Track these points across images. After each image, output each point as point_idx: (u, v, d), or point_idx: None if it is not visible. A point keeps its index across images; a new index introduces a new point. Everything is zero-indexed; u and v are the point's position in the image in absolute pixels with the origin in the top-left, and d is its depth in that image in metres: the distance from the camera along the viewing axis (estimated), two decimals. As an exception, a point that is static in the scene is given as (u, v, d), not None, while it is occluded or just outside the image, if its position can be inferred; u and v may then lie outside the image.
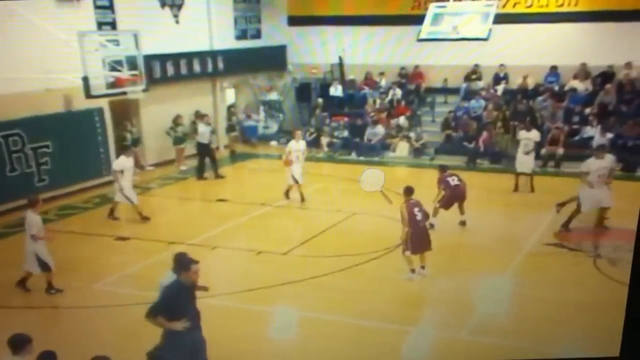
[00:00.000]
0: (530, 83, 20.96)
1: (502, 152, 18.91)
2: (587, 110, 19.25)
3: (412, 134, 20.43)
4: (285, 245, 12.42)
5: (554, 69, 20.82)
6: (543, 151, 17.92)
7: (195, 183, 17.92)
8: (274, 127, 23.47)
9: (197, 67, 20.85)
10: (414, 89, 22.52)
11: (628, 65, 19.70)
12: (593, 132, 18.32)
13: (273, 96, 24.04)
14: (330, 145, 20.71)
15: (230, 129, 21.68)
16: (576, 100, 19.85)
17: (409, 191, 10.71)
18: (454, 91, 22.17)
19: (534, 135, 16.09)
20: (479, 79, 21.92)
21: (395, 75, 23.16)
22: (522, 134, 16.19)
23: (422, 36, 17.86)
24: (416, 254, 10.57)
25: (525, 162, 15.85)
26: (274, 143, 22.47)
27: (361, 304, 9.79)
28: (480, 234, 12.94)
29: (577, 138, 18.81)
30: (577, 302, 9.65)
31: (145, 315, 6.77)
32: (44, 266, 10.30)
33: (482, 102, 20.68)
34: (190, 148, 19.25)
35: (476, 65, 21.83)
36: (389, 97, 22.17)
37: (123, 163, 13.86)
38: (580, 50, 20.19)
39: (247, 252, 12.35)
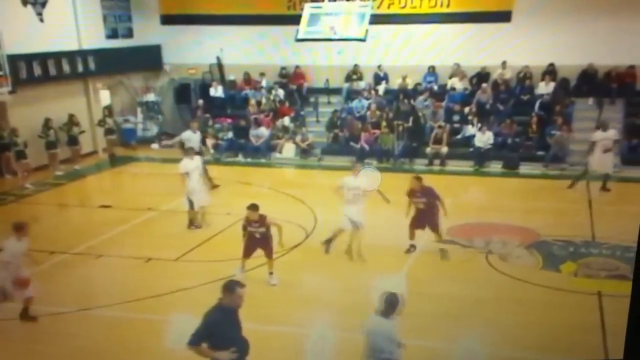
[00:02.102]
0: (410, 83, 21.76)
1: (389, 151, 19.50)
2: (467, 110, 20.27)
3: (298, 135, 20.60)
4: (176, 250, 12.08)
5: (431, 69, 21.75)
6: (428, 150, 18.70)
7: (74, 188, 17.09)
8: (153, 129, 22.91)
9: (66, 67, 20.00)
10: (296, 90, 22.73)
11: (503, 65, 21.00)
12: (474, 130, 19.34)
13: (150, 97, 23.46)
14: (215, 147, 20.42)
15: (108, 131, 20.82)
16: (455, 99, 20.87)
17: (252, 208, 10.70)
18: (337, 91, 22.59)
19: (612, 134, 16.20)
20: (360, 79, 22.47)
21: (276, 75, 23.29)
22: (598, 135, 16.12)
23: (300, 36, 17.98)
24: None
25: (605, 161, 15.78)
26: (154, 146, 21.90)
27: (260, 308, 9.63)
28: (373, 234, 13.15)
29: (459, 137, 19.77)
30: (472, 297, 10.02)
31: (187, 344, 6.27)
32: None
33: (365, 102, 21.22)
34: (65, 152, 18.32)
35: (356, 66, 22.36)
36: (271, 97, 22.23)
37: (187, 165, 13.38)
38: (456, 51, 21.27)
39: (136, 259, 11.86)
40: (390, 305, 6.92)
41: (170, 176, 17.60)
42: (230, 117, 21.82)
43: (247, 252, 10.82)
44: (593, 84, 20.25)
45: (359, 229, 11.62)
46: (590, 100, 20.07)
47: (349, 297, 10.11)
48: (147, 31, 23.43)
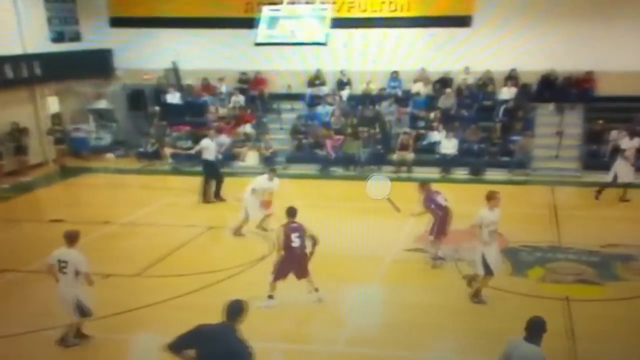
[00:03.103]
0: (374, 88, 22.03)
1: (355, 158, 19.68)
2: (431, 115, 20.62)
3: (261, 143, 20.60)
4: (136, 266, 11.95)
5: (395, 74, 22.05)
6: (394, 156, 18.94)
7: (22, 202, 16.70)
8: (107, 139, 22.57)
9: (9, 73, 19.52)
10: (257, 96, 22.73)
11: (465, 70, 21.47)
12: (439, 137, 19.69)
13: (102, 104, 23.14)
14: (174, 156, 20.18)
15: (58, 141, 20.48)
16: (419, 105, 21.22)
17: (291, 212, 10.37)
18: (299, 97, 22.67)
19: (637, 142, 16.41)
20: (323, 84, 22.63)
21: (236, 80, 23.23)
22: (627, 142, 16.33)
23: (259, 40, 18.06)
24: (278, 280, 10.32)
25: (629, 170, 15.82)
26: (110, 155, 21.62)
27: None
28: (343, 244, 13.23)
29: (424, 143, 20.11)
30: (445, 306, 10.22)
31: (167, 346, 6.08)
32: (84, 311, 9.03)
33: (329, 108, 21.39)
34: (12, 163, 17.82)
35: (318, 71, 22.52)
36: (231, 104, 22.19)
37: (262, 183, 13.40)
38: (418, 56, 21.62)
39: (93, 276, 11.64)
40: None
41: (128, 187, 17.48)
42: (188, 125, 21.69)
43: (284, 272, 10.18)
44: (554, 89, 20.86)
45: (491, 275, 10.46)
46: (551, 106, 20.63)
47: (322, 308, 10.20)
48: (96, 34, 22.99)
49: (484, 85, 21.48)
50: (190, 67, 22.91)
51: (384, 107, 21.12)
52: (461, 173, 18.89)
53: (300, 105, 22.57)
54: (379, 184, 12.72)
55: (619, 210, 14.32)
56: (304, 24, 17.49)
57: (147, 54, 22.76)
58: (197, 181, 16.38)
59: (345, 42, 18.06)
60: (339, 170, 19.55)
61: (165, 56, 22.82)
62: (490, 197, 10.09)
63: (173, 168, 20.09)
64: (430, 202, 11.88)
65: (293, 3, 17.59)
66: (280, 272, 10.17)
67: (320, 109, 21.54)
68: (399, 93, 21.84)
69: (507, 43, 20.50)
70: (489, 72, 21.40)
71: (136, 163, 20.93)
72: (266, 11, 17.71)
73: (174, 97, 22.74)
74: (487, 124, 20.30)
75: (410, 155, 19.24)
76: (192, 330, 6.07)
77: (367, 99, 21.65)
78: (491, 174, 18.59)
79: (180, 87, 23.07)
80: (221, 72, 22.95)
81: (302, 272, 10.22)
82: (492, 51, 20.75)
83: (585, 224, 13.86)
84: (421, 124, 20.69)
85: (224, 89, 22.96)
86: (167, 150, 19.60)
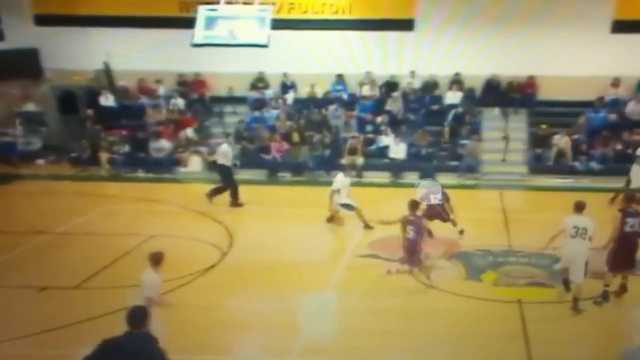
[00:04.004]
0: (319, 92, 22.13)
1: (303, 163, 19.73)
2: (379, 119, 20.83)
3: (203, 148, 20.34)
4: (75, 277, 11.55)
5: (340, 77, 22.21)
6: (343, 161, 19.01)
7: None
8: (37, 143, 21.81)
9: None
10: (197, 99, 22.49)
11: (411, 74, 21.77)
12: (388, 141, 19.88)
13: (30, 107, 22.44)
14: (111, 162, 19.74)
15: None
16: (366, 109, 21.39)
17: (413, 206, 11.06)
18: (242, 100, 22.55)
19: None
20: (266, 87, 22.58)
21: (175, 83, 22.94)
22: None
23: (197, 41, 17.80)
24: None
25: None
26: (40, 161, 20.93)
27: (176, 336, 9.41)
28: (295, 251, 13.28)
29: (374, 147, 20.28)
30: (401, 311, 10.30)
31: None
32: None
33: (274, 112, 21.36)
34: None
35: (260, 73, 22.46)
36: (170, 107, 21.88)
37: (341, 181, 14.30)
38: (363, 59, 21.82)
39: (28, 289, 11.23)
40: None
41: (62, 195, 16.90)
42: (125, 129, 21.27)
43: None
44: (497, 94, 21.43)
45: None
46: (496, 110, 21.14)
47: (277, 318, 10.12)
48: (20, 33, 22.10)
49: (430, 88, 21.83)
50: (124, 68, 22.36)
51: (331, 110, 21.20)
52: (412, 177, 19.03)
53: (243, 109, 22.43)
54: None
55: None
56: (244, 25, 17.32)
57: (78, 54, 22.08)
58: (137, 187, 16.01)
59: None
60: (287, 176, 19.47)
61: (97, 56, 22.24)
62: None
63: (111, 174, 19.58)
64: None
65: (231, 3, 17.43)
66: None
67: (264, 113, 21.48)
68: (345, 96, 21.97)
69: (451, 47, 21.05)
70: (432, 76, 21.77)
71: (69, 169, 20.34)
72: (202, 11, 17.49)
73: (107, 100, 22.18)
74: (434, 129, 20.63)
75: (359, 160, 19.35)
76: (97, 347, 5.90)
77: (313, 102, 21.73)
78: (441, 179, 18.80)
79: (113, 89, 22.52)
80: (158, 74, 22.59)
81: (415, 262, 10.98)
82: (436, 55, 21.22)
83: (535, 227, 14.13)
84: (369, 128, 20.85)
85: (161, 91, 22.62)
86: (104, 156, 19.08)
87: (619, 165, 18.36)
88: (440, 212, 13.39)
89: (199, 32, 17.30)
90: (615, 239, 10.18)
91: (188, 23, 18.03)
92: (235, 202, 16.25)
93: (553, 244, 10.42)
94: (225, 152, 16.47)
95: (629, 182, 16.08)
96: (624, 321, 10.11)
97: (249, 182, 17.74)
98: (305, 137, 20.19)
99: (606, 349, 8.77)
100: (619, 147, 19.20)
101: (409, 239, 10.91)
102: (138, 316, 6.08)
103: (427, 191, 13.43)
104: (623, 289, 10.52)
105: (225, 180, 16.45)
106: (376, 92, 21.99)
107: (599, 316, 9.97)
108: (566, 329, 9.53)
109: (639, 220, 10.13)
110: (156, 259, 8.46)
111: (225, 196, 16.05)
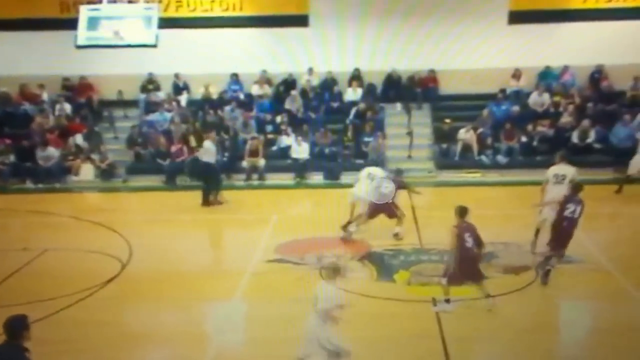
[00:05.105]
0: (214, 92, 21.89)
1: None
2: (278, 119, 20.81)
3: (95, 155, 19.74)
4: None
5: (235, 77, 22.10)
6: (244, 163, 18.93)
7: None
8: None
9: None
10: (85, 103, 21.79)
11: (309, 71, 21.89)
12: (289, 141, 19.87)
13: None
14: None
15: None
16: (264, 108, 21.33)
17: (462, 212, 10.34)
18: (133, 104, 22.07)
19: None
20: (158, 89, 22.17)
21: (60, 87, 22.20)
22: None
23: (81, 42, 17.29)
24: (452, 285, 10.17)
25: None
26: None
27: (79, 353, 9.11)
28: (198, 259, 13.06)
29: (275, 148, 20.22)
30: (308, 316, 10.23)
31: None
32: (333, 354, 7.81)
33: (167, 115, 20.96)
34: None
35: (150, 75, 22.07)
36: (56, 112, 21.09)
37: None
38: (259, 57, 21.79)
39: None
40: None
41: None
42: (8, 137, 20.28)
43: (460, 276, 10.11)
44: (398, 89, 21.85)
45: None
46: (398, 106, 21.56)
47: (182, 329, 9.90)
48: None
49: (329, 85, 22.00)
50: (4, 73, 21.35)
51: (227, 111, 21.01)
52: (316, 178, 19.23)
53: (134, 112, 21.95)
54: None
55: (478, 209, 15.05)
56: (129, 25, 16.95)
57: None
58: (26, 199, 15.28)
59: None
60: (186, 180, 19.16)
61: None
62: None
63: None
64: None
65: (115, 2, 17.04)
66: (454, 276, 10.04)
67: (157, 116, 21.05)
68: (241, 96, 21.82)
69: (348, 43, 21.22)
70: (330, 73, 21.97)
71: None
72: (85, 11, 17.00)
73: (-15, 107, 21.12)
74: (336, 127, 20.80)
75: (261, 162, 19.25)
76: None
77: (208, 103, 21.47)
78: (347, 178, 19.05)
79: (-7, 96, 21.47)
80: (41, 78, 21.80)
81: (477, 275, 10.17)
82: (334, 51, 21.36)
83: (444, 223, 14.39)
84: (269, 128, 20.80)
85: (45, 96, 21.81)
86: None
87: (525, 158, 19.20)
88: (390, 207, 13.57)
89: (83, 33, 16.78)
90: (556, 220, 11.12)
91: (71, 24, 17.46)
92: (208, 201, 16.27)
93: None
94: (208, 149, 16.54)
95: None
96: (537, 316, 10.33)
97: (145, 189, 17.38)
98: (202, 140, 19.86)
99: (520, 343, 9.13)
100: (523, 139, 19.86)
101: (468, 248, 10.04)
102: (14, 326, 6.12)
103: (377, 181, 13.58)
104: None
105: (209, 179, 16.44)
106: (271, 91, 21.97)
107: (512, 312, 10.19)
108: (481, 325, 9.70)
109: (579, 207, 10.86)
110: (334, 271, 8.22)
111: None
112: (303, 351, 7.88)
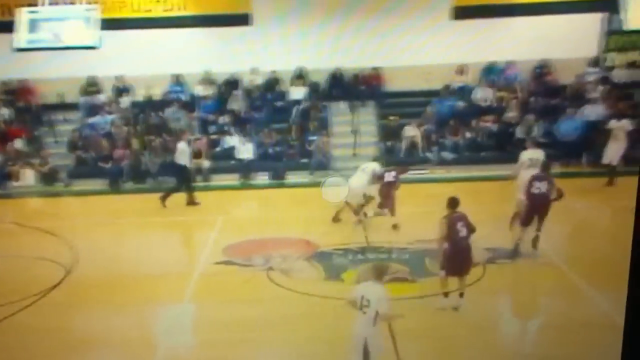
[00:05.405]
0: (157, 94, 21.74)
1: (146, 170, 19.24)
2: (222, 119, 20.75)
3: (35, 159, 19.46)
4: None
5: (177, 78, 21.97)
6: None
7: None
8: None
9: None
10: (24, 107, 21.47)
11: (252, 70, 21.92)
12: (234, 141, 19.89)
13: None
14: None
15: None
16: (208, 109, 21.26)
17: (453, 203, 10.36)
18: (73, 107, 21.75)
19: (625, 123, 17.28)
20: (99, 92, 21.89)
21: (-1, 91, 21.72)
22: (613, 123, 17.46)
23: (20, 45, 17.10)
24: (450, 276, 10.25)
25: (614, 152, 16.93)
26: None
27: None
28: (145, 262, 12.98)
29: (219, 149, 20.20)
30: (262, 318, 10.23)
31: None
32: (367, 355, 7.67)
33: (109, 117, 20.74)
34: None
35: (92, 77, 21.77)
36: (-4, 117, 20.68)
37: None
38: (201, 57, 21.63)
39: None
40: None
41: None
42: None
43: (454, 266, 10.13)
44: (343, 87, 22.01)
45: None
46: (343, 104, 21.73)
47: (131, 334, 9.90)
48: None
49: (272, 85, 22.04)
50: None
51: (170, 113, 20.87)
52: (262, 178, 19.25)
53: (75, 116, 21.64)
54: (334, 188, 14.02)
55: (424, 206, 15.34)
56: (70, 27, 16.80)
57: None
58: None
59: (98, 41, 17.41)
60: (130, 184, 19.01)
61: None
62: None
63: None
64: None
65: (56, 4, 16.81)
66: (450, 267, 10.05)
67: (98, 119, 20.80)
68: (184, 97, 21.70)
69: (291, 41, 21.16)
70: (274, 72, 22.02)
71: None
72: (24, 14, 16.76)
73: None
74: (281, 126, 20.85)
75: (205, 163, 19.18)
76: None
77: (150, 105, 21.32)
78: (293, 177, 19.19)
79: None
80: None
81: (467, 267, 10.19)
82: (277, 50, 21.30)
83: (391, 220, 14.69)
84: (213, 128, 20.72)
85: (-18, 101, 21.29)
86: None
87: (471, 154, 19.54)
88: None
89: (22, 36, 16.60)
90: (524, 199, 12.10)
91: (9, 27, 17.19)
92: (194, 201, 16.46)
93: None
94: (183, 151, 16.55)
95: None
96: (487, 312, 10.50)
97: (88, 193, 17.18)
98: (145, 143, 19.76)
99: (471, 340, 9.36)
100: (468, 135, 20.18)
101: (462, 237, 10.12)
102: None
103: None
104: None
105: (181, 181, 16.53)
106: (213, 91, 21.87)
107: (462, 307, 10.29)
108: (430, 322, 9.83)
109: (545, 184, 11.90)
110: (380, 271, 8.16)
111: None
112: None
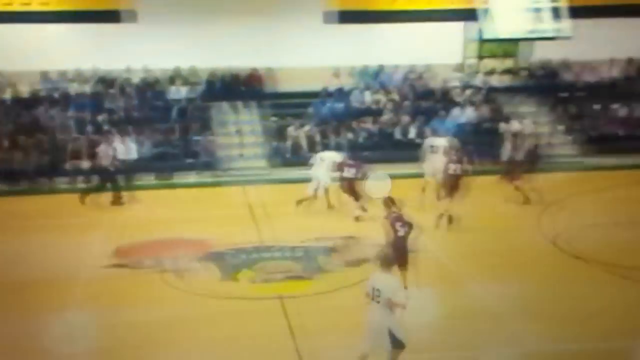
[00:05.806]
0: (25, 91, 20.75)
1: (22, 171, 18.35)
2: (100, 119, 19.99)
3: None
4: None
5: (48, 75, 21.09)
6: (67, 166, 18.14)
7: None
8: None
9: None
10: None
11: (128, 69, 21.49)
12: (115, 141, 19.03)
13: None
14: None
15: None
16: (83, 107, 20.41)
17: (391, 202, 10.79)
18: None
19: (515, 126, 19.70)
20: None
21: None
22: (503, 126, 20.23)
23: None
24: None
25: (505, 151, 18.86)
26: None
27: None
28: (32, 267, 12.38)
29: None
30: (160, 321, 10.02)
31: None
32: (397, 343, 7.74)
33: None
34: None
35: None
36: None
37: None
38: (73, 53, 20.90)
39: None
40: None
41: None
42: None
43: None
44: (223, 87, 21.90)
45: None
46: (225, 104, 21.60)
47: (23, 343, 9.48)
48: None
49: (151, 84, 21.61)
50: None
51: (42, 111, 19.96)
52: (149, 179, 18.76)
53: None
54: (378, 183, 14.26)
55: (315, 205, 15.59)
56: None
57: None
58: None
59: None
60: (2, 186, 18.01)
61: None
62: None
63: None
64: None
65: None
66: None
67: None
68: (56, 95, 20.80)
69: (170, 40, 20.93)
70: (150, 71, 21.71)
71: None
72: None
73: None
74: (162, 126, 20.34)
75: (85, 164, 18.42)
76: None
77: (20, 103, 20.31)
78: (179, 178, 18.90)
79: None
80: None
81: (404, 262, 10.29)
82: (156, 48, 20.94)
83: (283, 220, 14.80)
84: (90, 128, 19.86)
85: None
86: None
87: (353, 154, 19.72)
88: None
89: None
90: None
91: None
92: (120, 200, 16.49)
93: None
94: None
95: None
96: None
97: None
98: (17, 142, 18.77)
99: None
100: (350, 136, 20.50)
101: (401, 237, 10.41)
102: None
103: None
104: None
105: (104, 181, 16.57)
106: (89, 89, 21.18)
107: (358, 304, 10.62)
108: (329, 319, 9.87)
109: (454, 164, 14.07)
110: (387, 260, 8.04)
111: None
112: (368, 345, 7.93)
